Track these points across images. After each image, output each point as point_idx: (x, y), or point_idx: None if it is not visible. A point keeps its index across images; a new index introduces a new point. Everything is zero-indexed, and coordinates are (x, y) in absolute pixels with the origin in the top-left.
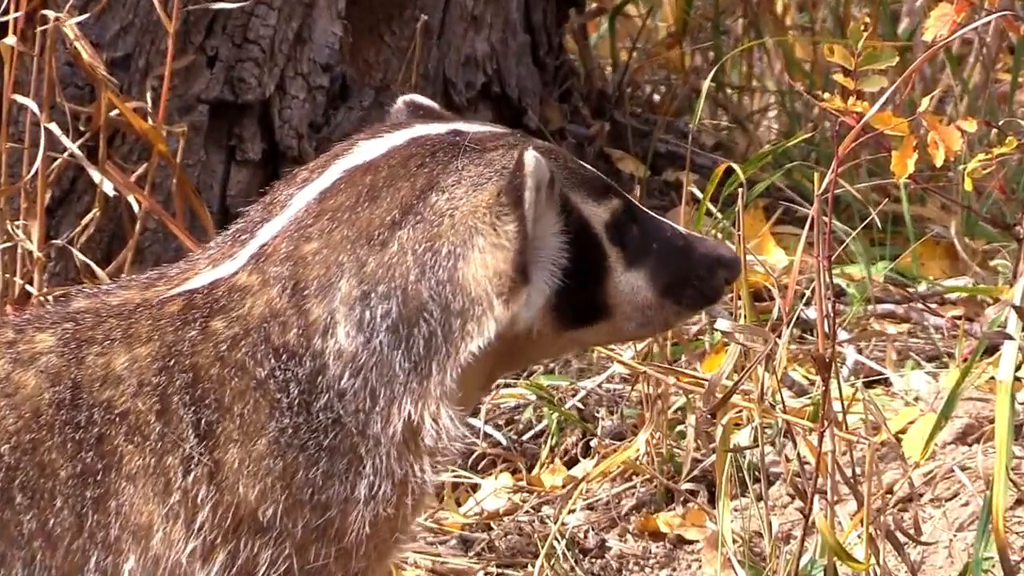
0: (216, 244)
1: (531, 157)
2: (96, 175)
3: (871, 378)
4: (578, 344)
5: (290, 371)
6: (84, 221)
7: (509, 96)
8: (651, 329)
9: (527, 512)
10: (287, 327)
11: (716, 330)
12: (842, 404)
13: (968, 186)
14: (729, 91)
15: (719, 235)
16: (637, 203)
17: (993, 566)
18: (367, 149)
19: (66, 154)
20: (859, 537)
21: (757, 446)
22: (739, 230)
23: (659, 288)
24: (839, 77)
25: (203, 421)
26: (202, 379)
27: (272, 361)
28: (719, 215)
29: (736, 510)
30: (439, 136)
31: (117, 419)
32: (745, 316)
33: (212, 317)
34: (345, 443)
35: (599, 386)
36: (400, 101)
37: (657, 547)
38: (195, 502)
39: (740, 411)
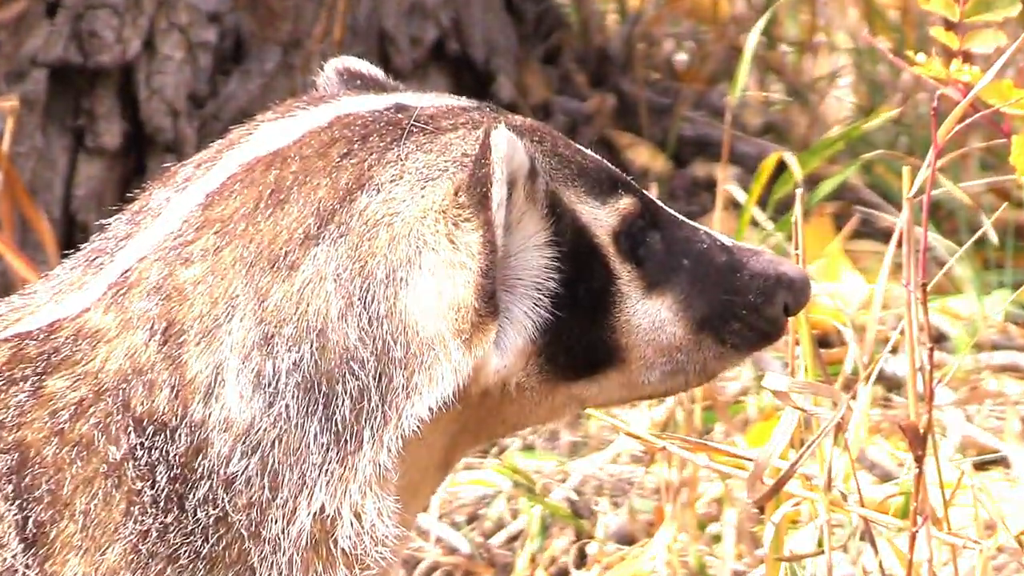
0: (62, 269)
1: (502, 138)
2: None
3: (984, 457)
4: (577, 404)
5: (157, 450)
6: None
7: (472, 57)
8: (682, 380)
9: None
10: (155, 388)
11: (765, 388)
12: (942, 494)
13: None
14: (784, 49)
15: None
16: (659, 202)
17: None
18: (273, 134)
19: None
20: None
21: (823, 552)
22: (797, 247)
23: (693, 321)
24: (938, 32)
25: (32, 520)
26: (32, 462)
27: (132, 436)
28: (769, 225)
29: None
30: (374, 114)
31: None
32: (806, 369)
33: (49, 373)
34: (231, 550)
35: (600, 468)
36: (329, 67)
37: None
38: None
39: (799, 503)
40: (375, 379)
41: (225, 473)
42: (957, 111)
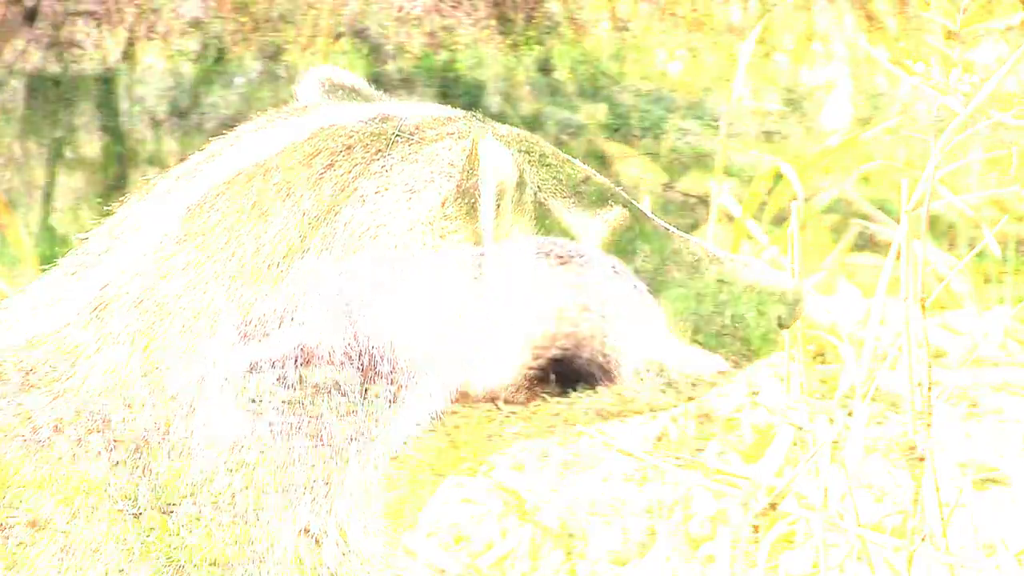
0: (41, 284)
1: (489, 148)
2: None
3: (984, 476)
4: (567, 420)
5: (139, 468)
6: None
7: (460, 66)
8: (673, 395)
9: None
10: (136, 404)
11: (760, 405)
12: (941, 513)
13: None
14: (780, 57)
15: None
16: (649, 214)
17: None
18: (255, 146)
19: None
20: None
21: (819, 573)
22: (793, 260)
23: (684, 335)
24: (938, 39)
25: (11, 541)
26: (11, 481)
27: (113, 454)
28: (765, 238)
29: None
30: (358, 125)
31: None
32: (802, 385)
33: (27, 390)
34: (215, 570)
35: (591, 487)
36: (310, 77)
37: None
38: None
39: (795, 523)
40: (362, 395)
41: (208, 491)
42: (958, 121)
